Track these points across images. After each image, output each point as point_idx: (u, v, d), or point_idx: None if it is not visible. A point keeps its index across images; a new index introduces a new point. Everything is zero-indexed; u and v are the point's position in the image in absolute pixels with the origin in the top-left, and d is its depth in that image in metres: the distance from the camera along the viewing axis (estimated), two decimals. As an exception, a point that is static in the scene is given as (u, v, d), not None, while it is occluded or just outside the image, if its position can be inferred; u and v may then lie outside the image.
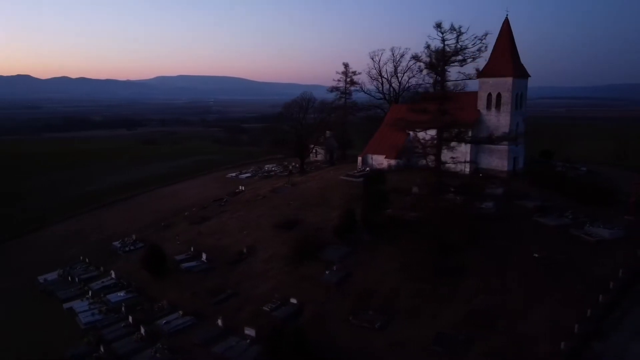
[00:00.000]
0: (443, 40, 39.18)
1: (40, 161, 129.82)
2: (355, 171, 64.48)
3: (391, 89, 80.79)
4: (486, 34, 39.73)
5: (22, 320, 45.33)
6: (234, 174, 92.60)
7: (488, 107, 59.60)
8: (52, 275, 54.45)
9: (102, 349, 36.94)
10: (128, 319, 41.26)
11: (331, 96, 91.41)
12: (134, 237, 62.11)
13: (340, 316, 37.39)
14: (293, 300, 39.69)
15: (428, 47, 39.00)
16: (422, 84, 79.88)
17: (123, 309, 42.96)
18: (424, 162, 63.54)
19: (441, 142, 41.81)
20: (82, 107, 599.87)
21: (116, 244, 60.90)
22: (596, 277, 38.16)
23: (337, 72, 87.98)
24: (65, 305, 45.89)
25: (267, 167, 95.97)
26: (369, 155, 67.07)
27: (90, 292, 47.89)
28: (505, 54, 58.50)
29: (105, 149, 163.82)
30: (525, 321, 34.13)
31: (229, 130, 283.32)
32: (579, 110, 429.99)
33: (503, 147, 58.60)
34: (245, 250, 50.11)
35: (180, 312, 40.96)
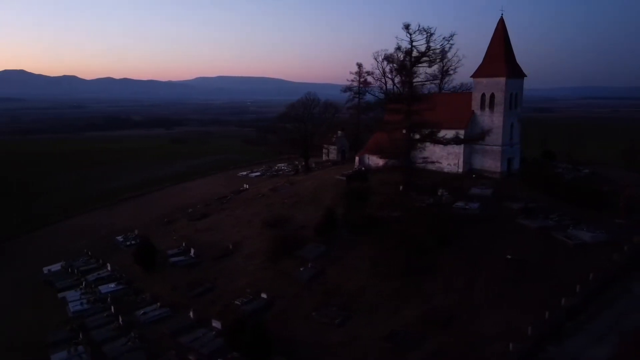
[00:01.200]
0: (411, 41, 39.47)
1: (72, 158, 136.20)
2: (351, 171, 65.17)
3: (395, 89, 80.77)
4: (452, 35, 39.73)
5: (20, 306, 48.37)
6: (244, 173, 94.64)
7: (482, 107, 59.11)
8: (55, 267, 57.65)
9: (80, 335, 39.19)
10: (111, 309, 43.46)
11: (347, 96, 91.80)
12: (135, 232, 64.86)
13: (305, 312, 38.47)
14: (263, 296, 41.01)
15: (399, 48, 39.44)
16: (426, 82, 79.57)
17: (109, 299, 45.26)
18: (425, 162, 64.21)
19: (410, 143, 42.00)
20: (125, 107, 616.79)
21: (119, 238, 63.77)
22: (565, 281, 37.72)
23: (351, 72, 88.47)
24: (60, 295, 48.69)
25: (278, 166, 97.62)
26: (366, 155, 67.55)
27: (84, 283, 50.52)
28: (499, 54, 57.89)
29: (135, 147, 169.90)
30: (482, 321, 34.28)
31: (259, 130, 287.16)
32: (625, 110, 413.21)
33: (496, 147, 58.11)
34: (231, 247, 51.76)
35: (158, 304, 42.93)
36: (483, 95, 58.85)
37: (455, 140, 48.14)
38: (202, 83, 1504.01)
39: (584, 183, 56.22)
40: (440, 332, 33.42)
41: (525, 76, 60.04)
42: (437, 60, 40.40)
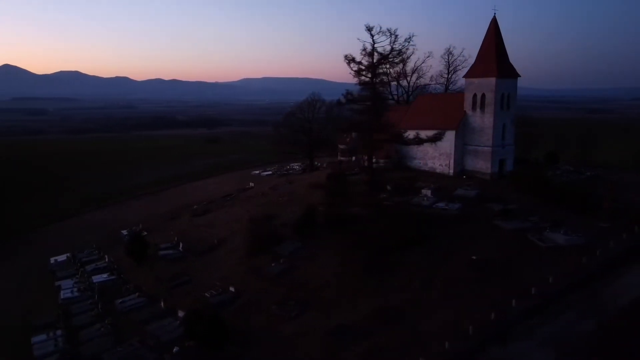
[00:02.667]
0: (373, 43, 40.03)
1: (108, 157, 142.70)
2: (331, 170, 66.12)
3: (400, 90, 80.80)
4: (411, 36, 40.03)
5: (21, 292, 52.06)
6: (257, 172, 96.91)
7: (473, 108, 58.68)
8: (61, 257, 61.36)
9: (61, 321, 42.07)
10: (95, 297, 46.26)
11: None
12: (140, 226, 68.04)
13: (267, 305, 39.81)
14: (231, 289, 42.64)
15: (364, 49, 40.02)
16: (430, 83, 79.54)
17: (96, 288, 48.14)
18: (418, 162, 64.40)
19: (372, 143, 42.48)
20: (173, 107, 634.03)
21: (124, 232, 67.06)
22: (526, 283, 37.40)
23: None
24: (56, 283, 52.04)
25: (291, 165, 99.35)
26: (363, 155, 68.12)
27: (79, 273, 53.78)
28: (491, 54, 57.28)
29: (168, 146, 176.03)
30: (431, 320, 34.59)
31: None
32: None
33: (487, 149, 57.61)
34: (216, 242, 53.76)
35: (137, 294, 45.37)
36: (474, 95, 58.46)
37: (415, 141, 48.17)
38: (247, 84, 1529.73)
39: (576, 186, 54.81)
40: (386, 329, 34.00)
41: (519, 76, 59.14)
42: (397, 61, 40.68)
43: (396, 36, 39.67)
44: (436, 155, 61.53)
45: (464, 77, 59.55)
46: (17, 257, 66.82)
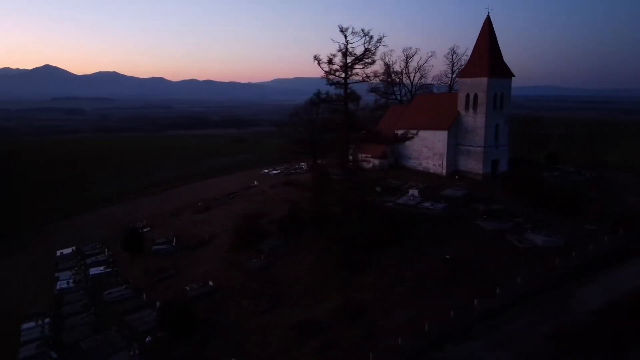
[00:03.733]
0: (346, 43, 40.51)
1: (133, 155, 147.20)
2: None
3: (403, 89, 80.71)
4: (382, 37, 40.31)
5: (22, 283, 54.84)
6: (266, 171, 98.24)
7: (466, 107, 58.41)
8: (67, 251, 64.18)
9: (51, 310, 44.34)
10: (86, 289, 48.48)
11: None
12: (144, 222, 70.42)
13: (241, 299, 40.98)
14: (210, 283, 44.01)
15: (340, 50, 40.58)
16: (435, 83, 79.24)
17: (88, 280, 50.40)
18: (413, 162, 64.57)
19: (347, 142, 42.94)
20: (207, 107, 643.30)
21: (132, 226, 69.49)
22: (493, 282, 37.39)
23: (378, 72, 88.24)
24: (56, 274, 54.63)
25: (300, 164, 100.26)
26: (360, 155, 68.52)
27: (79, 265, 56.26)
28: (483, 54, 56.91)
29: (192, 145, 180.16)
30: (392, 317, 35.01)
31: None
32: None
33: (479, 149, 57.30)
34: (206, 238, 55.33)
35: (124, 286, 47.29)
36: (467, 95, 58.22)
37: (386, 140, 48.32)
38: (279, 84, 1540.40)
39: (569, 188, 53.88)
40: (347, 324, 34.62)
41: (514, 76, 58.51)
42: (368, 61, 41.08)
43: (371, 37, 40.18)
44: (430, 155, 61.52)
45: (457, 76, 59.37)
46: (29, 250, 70.22)
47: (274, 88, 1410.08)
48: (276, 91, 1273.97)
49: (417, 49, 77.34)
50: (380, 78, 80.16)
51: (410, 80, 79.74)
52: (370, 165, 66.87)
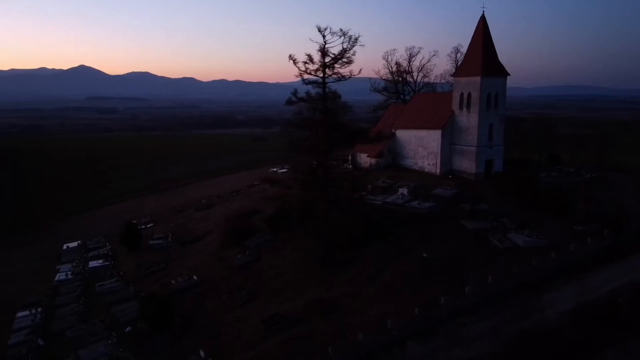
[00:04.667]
0: (324, 43, 40.99)
1: (152, 153, 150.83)
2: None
3: (407, 88, 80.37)
4: (358, 37, 40.64)
5: (26, 274, 57.37)
6: (275, 169, 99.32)
7: (461, 107, 58.07)
8: (73, 244, 66.72)
9: (46, 300, 46.43)
10: (81, 281, 50.49)
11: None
12: (148, 217, 72.49)
13: (222, 293, 42.11)
14: (194, 277, 45.29)
15: (318, 49, 41.13)
16: (437, 82, 78.88)
17: (84, 272, 52.44)
18: (410, 162, 64.66)
19: (327, 142, 43.38)
20: (235, 107, 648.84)
21: (134, 222, 71.61)
22: (466, 281, 37.42)
23: (388, 71, 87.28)
24: (57, 266, 56.95)
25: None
26: (358, 154, 69.00)
27: (80, 258, 58.49)
28: (477, 53, 56.49)
29: (212, 144, 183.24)
30: (362, 313, 35.38)
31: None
32: None
33: (472, 148, 56.98)
34: (201, 234, 56.73)
35: (115, 278, 49.07)
36: (462, 94, 57.92)
37: (366, 140, 48.50)
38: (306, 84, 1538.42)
39: (562, 189, 53.08)
40: (317, 319, 35.23)
41: (509, 75, 57.93)
42: (347, 62, 41.46)
43: (350, 37, 40.67)
44: (425, 155, 61.46)
45: (451, 76, 59.12)
46: (39, 243, 73.27)
47: (301, 88, 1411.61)
48: (303, 91, 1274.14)
49: (419, 48, 77.12)
50: (384, 77, 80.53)
51: (413, 79, 79.57)
52: (367, 164, 67.38)
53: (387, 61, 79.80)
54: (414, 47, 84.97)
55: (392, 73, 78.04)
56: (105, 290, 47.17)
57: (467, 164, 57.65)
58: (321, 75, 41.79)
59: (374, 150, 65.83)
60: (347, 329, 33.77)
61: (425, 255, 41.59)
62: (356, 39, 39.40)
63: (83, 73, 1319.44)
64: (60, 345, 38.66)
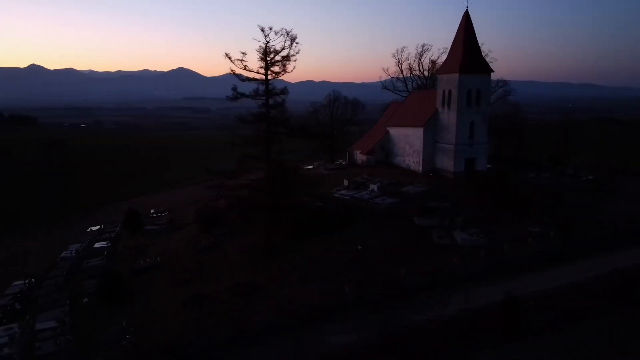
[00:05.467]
0: (266, 42, 42.83)
1: (211, 148, 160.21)
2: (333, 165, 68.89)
3: (417, 86, 79.32)
4: (295, 37, 41.92)
5: (46, 250, 65.07)
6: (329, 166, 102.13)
7: (443, 105, 57.39)
8: (95, 228, 74.33)
9: (42, 272, 53.12)
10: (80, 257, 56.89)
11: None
12: (167, 206, 78.70)
13: (173, 274, 45.94)
14: (157, 259, 49.60)
15: (260, 48, 43.18)
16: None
17: (81, 250, 58.85)
18: (399, 159, 64.93)
19: (269, 137, 44.97)
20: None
21: (152, 210, 78.24)
22: (386, 274, 38.06)
23: (398, 69, 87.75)
24: (69, 246, 64.14)
25: (340, 161, 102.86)
26: (355, 151, 70.06)
27: (89, 239, 65.36)
28: (458, 50, 55.49)
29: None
30: (273, 296, 37.25)
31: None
32: None
33: (450, 146, 56.23)
34: (189, 221, 61.18)
35: (101, 257, 54.72)
36: (444, 92, 57.32)
37: (304, 135, 49.36)
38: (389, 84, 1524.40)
39: (542, 191, 51.02)
40: (231, 300, 37.84)
41: (492, 71, 56.27)
42: (284, 60, 43.04)
43: (293, 37, 42.53)
44: (410, 152, 61.36)
45: (435, 72, 58.58)
46: (76, 226, 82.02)
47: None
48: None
49: (430, 45, 75.95)
50: (394, 76, 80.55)
51: (425, 75, 78.61)
52: (360, 161, 68.42)
53: (397, 59, 79.79)
54: (425, 44, 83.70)
55: (401, 71, 77.95)
56: (90, 267, 52.78)
57: (447, 163, 57.02)
58: (263, 72, 43.94)
59: (365, 148, 66.79)
60: (250, 309, 35.97)
61: (359, 247, 42.60)
62: (294, 38, 41.29)
63: (181, 75, 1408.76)
64: (32, 309, 44.48)
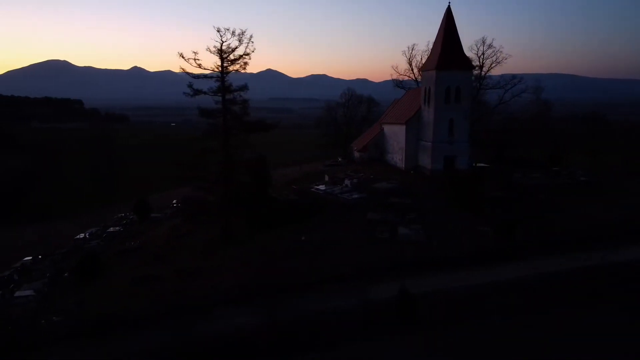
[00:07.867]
0: (222, 43, 45.23)
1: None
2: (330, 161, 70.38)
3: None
4: (251, 36, 44.13)
5: (73, 231, 72.53)
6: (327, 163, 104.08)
7: (424, 102, 56.95)
8: (121, 214, 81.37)
9: (51, 249, 59.94)
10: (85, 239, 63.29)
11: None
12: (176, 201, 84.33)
13: (145, 256, 50.23)
14: (137, 243, 54.26)
15: (215, 47, 45.67)
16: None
17: (89, 234, 65.29)
18: (390, 157, 65.29)
19: (227, 132, 46.95)
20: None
21: (174, 201, 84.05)
22: (312, 265, 39.60)
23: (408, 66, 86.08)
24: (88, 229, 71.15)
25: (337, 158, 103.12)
26: (353, 148, 70.87)
27: (103, 224, 72.02)
28: (438, 46, 54.77)
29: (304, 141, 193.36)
30: (210, 280, 40.04)
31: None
32: None
33: (429, 144, 55.80)
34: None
35: (99, 240, 60.51)
36: (425, 89, 56.97)
37: (258, 130, 50.59)
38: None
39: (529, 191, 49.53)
40: (175, 281, 41.09)
41: (474, 68, 54.93)
42: (241, 60, 45.65)
43: (250, 37, 45.02)
44: (397, 150, 61.37)
45: (419, 69, 58.26)
46: (117, 212, 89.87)
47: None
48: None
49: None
50: (403, 74, 79.96)
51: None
52: (357, 157, 69.33)
53: (407, 57, 79.15)
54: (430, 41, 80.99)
55: (412, 68, 77.28)
56: (90, 247, 58.81)
57: (426, 160, 56.70)
58: (219, 70, 46.72)
59: (360, 145, 67.57)
60: (187, 290, 39.00)
61: (303, 238, 44.32)
62: (250, 37, 43.86)
63: (269, 76, 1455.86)
64: (25, 280, 50.78)
